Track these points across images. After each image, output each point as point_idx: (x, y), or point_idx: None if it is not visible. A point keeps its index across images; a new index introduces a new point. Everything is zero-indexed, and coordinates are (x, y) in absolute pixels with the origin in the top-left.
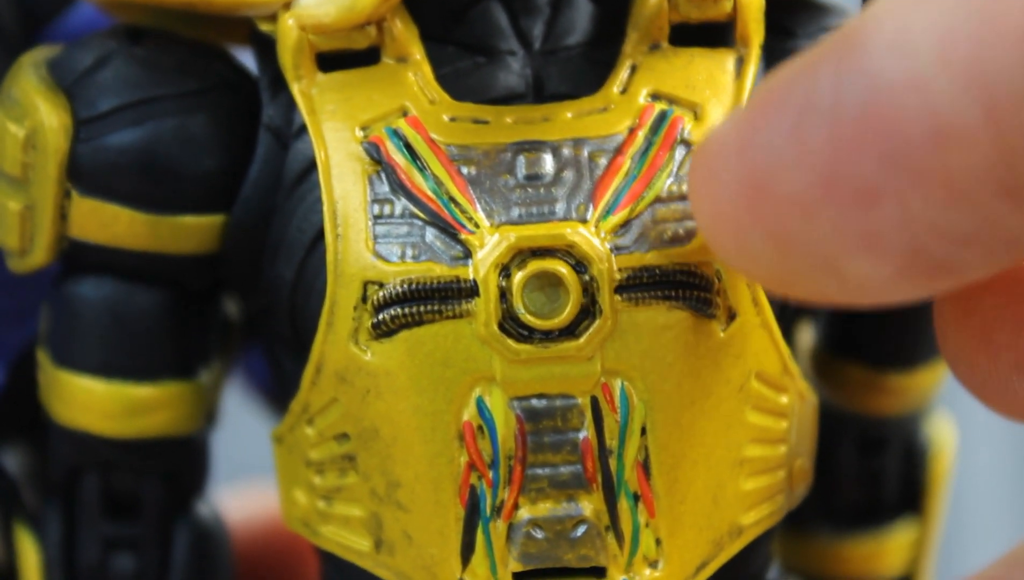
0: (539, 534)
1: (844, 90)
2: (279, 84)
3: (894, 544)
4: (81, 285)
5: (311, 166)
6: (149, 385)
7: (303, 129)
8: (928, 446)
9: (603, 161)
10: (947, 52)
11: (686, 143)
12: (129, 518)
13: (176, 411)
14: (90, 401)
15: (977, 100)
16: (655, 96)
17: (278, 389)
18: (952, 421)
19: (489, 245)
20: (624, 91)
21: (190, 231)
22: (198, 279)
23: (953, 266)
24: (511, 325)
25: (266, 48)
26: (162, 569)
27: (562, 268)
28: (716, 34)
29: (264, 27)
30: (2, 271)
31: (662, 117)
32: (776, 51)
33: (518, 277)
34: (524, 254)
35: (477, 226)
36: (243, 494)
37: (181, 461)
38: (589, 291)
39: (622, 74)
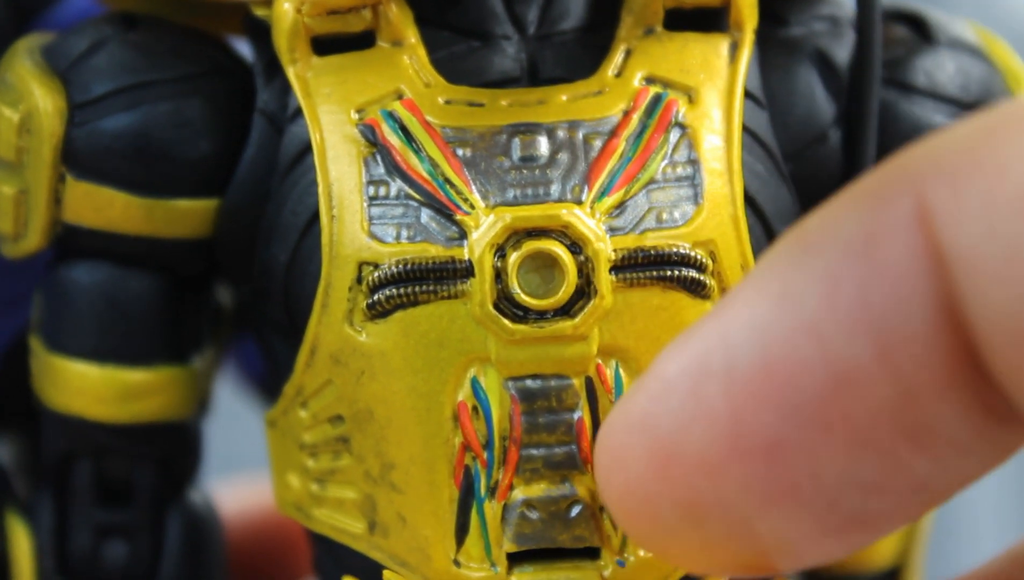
0: (533, 515)
1: (736, 347)
2: (273, 69)
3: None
4: (75, 270)
5: (306, 149)
6: (143, 370)
7: (298, 113)
8: None
9: (598, 143)
10: (833, 296)
11: (680, 126)
12: (122, 505)
13: (169, 396)
14: (84, 386)
15: (868, 338)
16: (649, 80)
17: (270, 374)
18: None
19: (484, 226)
20: (619, 75)
21: (184, 215)
22: (192, 264)
23: (866, 518)
24: (506, 305)
25: (260, 33)
26: (155, 556)
27: (557, 248)
28: (710, 19)
29: (259, 12)
30: None
31: (656, 100)
32: (769, 38)
33: (513, 257)
34: (519, 235)
35: (472, 207)
36: (235, 485)
37: (174, 447)
38: (584, 272)
39: (617, 58)
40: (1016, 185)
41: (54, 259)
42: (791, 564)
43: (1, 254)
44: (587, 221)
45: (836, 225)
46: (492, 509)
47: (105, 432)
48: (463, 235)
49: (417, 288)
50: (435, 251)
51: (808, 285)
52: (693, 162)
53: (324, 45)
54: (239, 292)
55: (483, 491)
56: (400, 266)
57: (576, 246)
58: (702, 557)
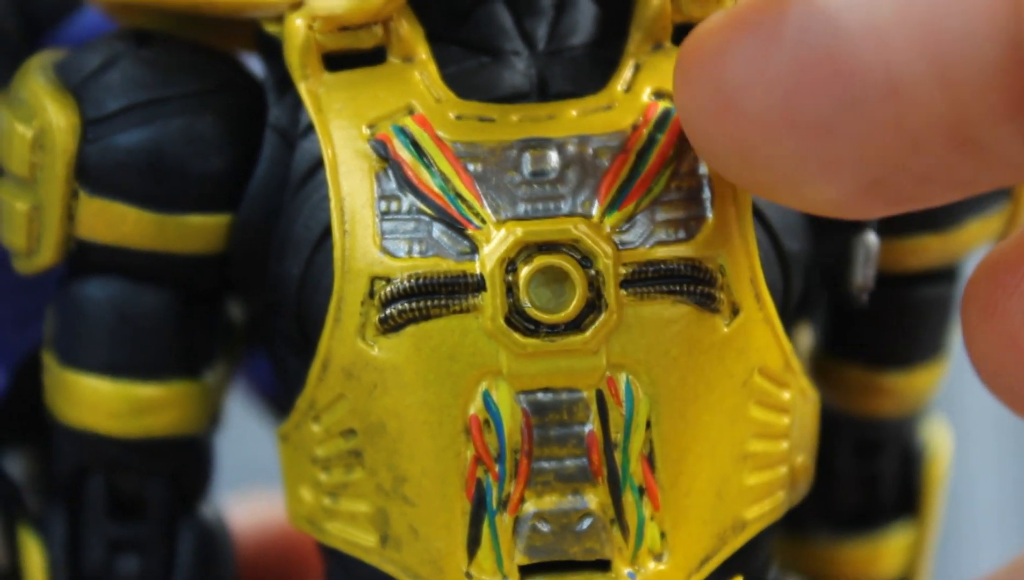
0: (545, 527)
1: (807, 29)
2: (285, 85)
3: (891, 547)
4: (88, 285)
5: (318, 164)
6: (155, 384)
7: (309, 128)
8: (924, 450)
9: (607, 158)
10: (906, 8)
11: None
12: (134, 519)
13: (182, 411)
14: (96, 400)
15: (930, 58)
16: (658, 94)
17: (282, 388)
18: (949, 424)
19: (495, 240)
20: (628, 90)
21: (197, 231)
22: (204, 279)
23: (910, 197)
24: (517, 319)
25: (272, 49)
26: (167, 570)
27: (568, 263)
28: None
29: (270, 28)
30: (5, 276)
31: (666, 115)
32: None
33: (524, 272)
34: (530, 249)
35: (483, 222)
36: (246, 500)
37: (186, 462)
38: (594, 285)
39: (626, 73)
40: None
41: (66, 275)
42: (832, 213)
43: (13, 270)
44: (597, 235)
45: None
46: (504, 522)
47: (117, 447)
48: (474, 249)
49: (429, 302)
50: (447, 265)
51: None
52: (701, 177)
53: (335, 61)
54: (250, 307)
55: (495, 504)
56: (412, 281)
57: (586, 260)
58: (751, 187)
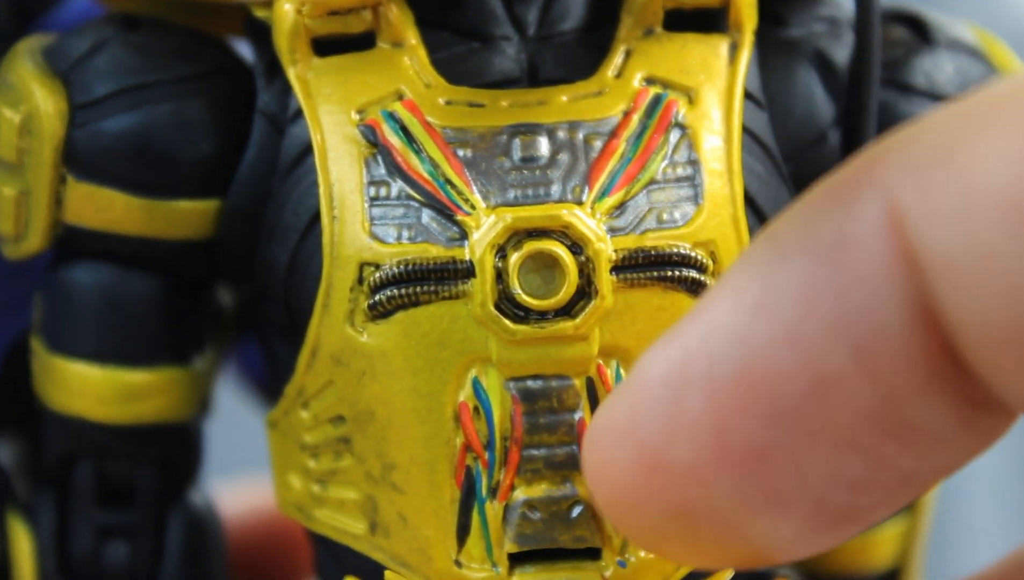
0: (534, 515)
1: (716, 356)
2: (274, 70)
3: (884, 535)
4: (75, 271)
5: (306, 150)
6: (144, 370)
7: (298, 114)
8: None
9: (598, 144)
10: (810, 302)
11: (680, 126)
12: (123, 506)
13: (171, 397)
14: (85, 387)
15: (846, 343)
16: (649, 80)
17: (271, 375)
18: None
19: (485, 226)
20: (619, 75)
21: (185, 216)
22: (193, 265)
23: (854, 513)
24: (507, 305)
25: (260, 34)
26: (156, 557)
27: (558, 249)
28: (709, 20)
29: (259, 13)
30: None
31: (656, 101)
32: (768, 38)
33: (514, 258)
34: (520, 235)
35: (473, 208)
36: (236, 487)
37: (175, 448)
38: (585, 272)
39: (616, 59)
40: (989, 182)
41: (54, 260)
42: (784, 558)
43: (1, 256)
44: (588, 221)
45: (807, 227)
46: (493, 509)
47: (106, 433)
48: (464, 236)
49: (418, 288)
50: (436, 252)
51: (783, 292)
52: (693, 163)
53: (325, 46)
54: (240, 293)
55: (484, 491)
56: (401, 267)
57: (577, 246)
58: (697, 555)
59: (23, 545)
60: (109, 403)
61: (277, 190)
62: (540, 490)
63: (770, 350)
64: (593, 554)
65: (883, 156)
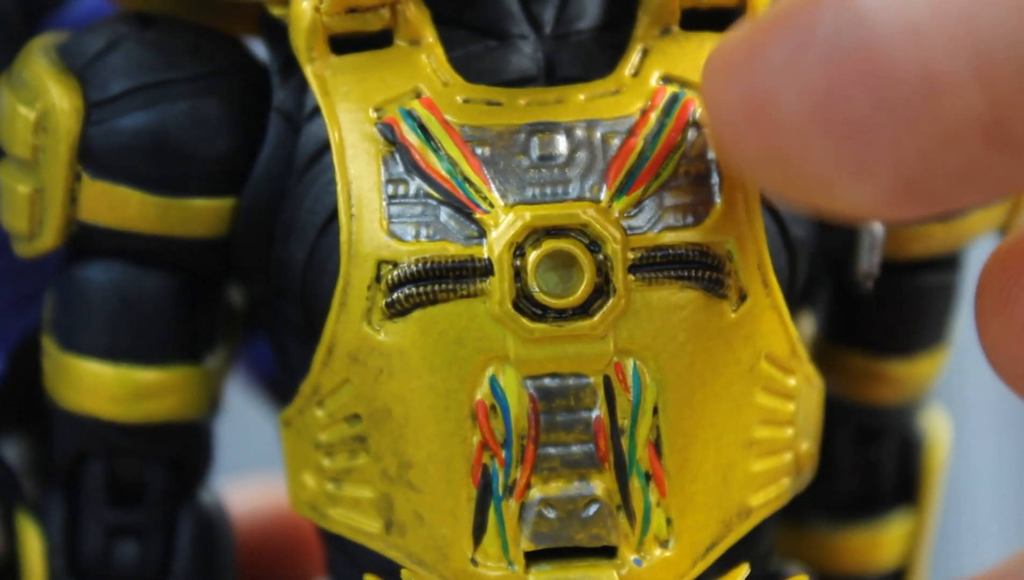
0: (551, 513)
1: (841, 30)
2: (290, 68)
3: (890, 535)
4: (89, 269)
5: (323, 148)
6: (156, 369)
7: (315, 111)
8: (923, 438)
9: (616, 142)
10: (941, 6)
11: (697, 125)
12: (133, 505)
13: (183, 396)
14: (97, 385)
15: (968, 54)
16: (667, 79)
17: (284, 374)
18: (949, 413)
19: (503, 224)
20: (636, 74)
21: (200, 214)
22: (207, 263)
23: (944, 198)
24: (525, 304)
25: (276, 32)
26: (166, 556)
27: (576, 247)
28: (726, 19)
29: (275, 11)
30: (4, 259)
31: (674, 100)
32: None
33: (532, 256)
34: (538, 233)
35: (491, 206)
36: (245, 486)
37: (186, 447)
38: (603, 270)
39: (633, 58)
40: None
41: (68, 258)
42: (862, 216)
43: (11, 254)
44: (605, 220)
45: None
46: (510, 508)
47: (118, 432)
48: (482, 234)
49: (436, 287)
50: (454, 250)
51: None
52: (710, 162)
53: (342, 44)
54: (252, 292)
55: (501, 490)
56: (419, 265)
57: (595, 245)
58: (786, 193)
59: (33, 544)
60: (121, 402)
61: (293, 188)
62: (556, 488)
63: (894, 41)
64: (609, 552)
65: None
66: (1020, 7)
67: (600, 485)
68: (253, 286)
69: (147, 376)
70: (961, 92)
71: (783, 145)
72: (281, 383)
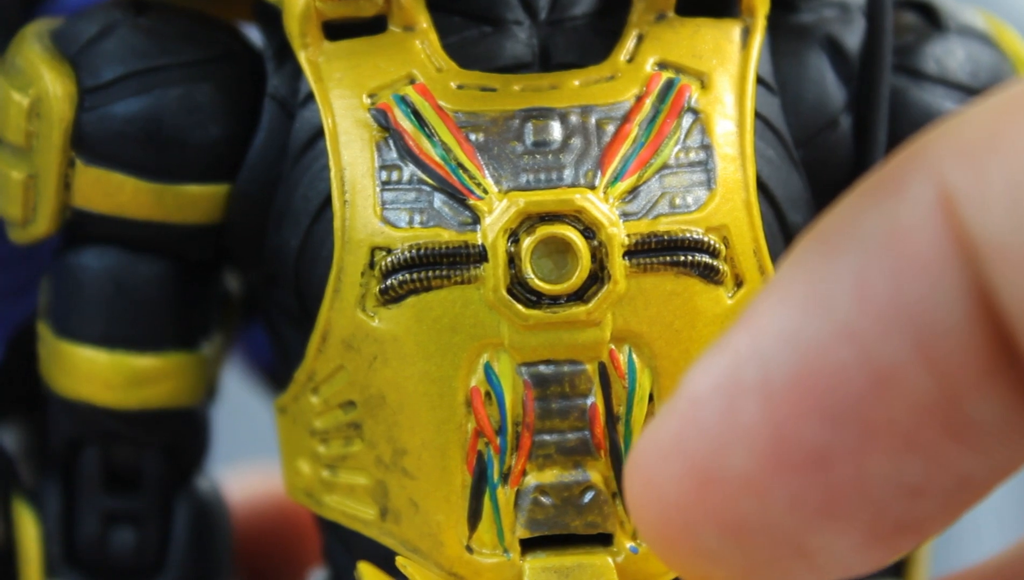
0: (546, 500)
1: (769, 358)
2: (284, 54)
3: None
4: (84, 255)
5: (317, 134)
6: (152, 355)
7: (309, 98)
8: None
9: (610, 128)
10: (865, 291)
11: (693, 111)
12: (129, 492)
13: (178, 382)
14: (92, 371)
15: (905, 333)
16: (662, 65)
17: (279, 361)
18: None
19: (497, 210)
20: (631, 60)
21: (194, 200)
22: (201, 249)
23: (914, 522)
24: (519, 290)
25: (270, 18)
26: (162, 543)
27: (571, 233)
28: (722, 4)
29: None
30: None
31: (669, 85)
32: (780, 24)
33: (527, 242)
34: (532, 219)
35: (485, 192)
36: (242, 473)
37: (182, 434)
38: (597, 257)
39: (628, 43)
40: None
41: (62, 245)
42: (838, 576)
43: (6, 242)
44: (600, 206)
45: (857, 220)
46: (505, 495)
47: (113, 418)
48: (476, 220)
49: (430, 273)
50: (448, 236)
51: (837, 286)
52: (706, 147)
53: (335, 30)
54: (248, 278)
55: (496, 477)
56: (413, 251)
57: (589, 231)
58: (743, 567)
59: (29, 530)
60: (116, 388)
61: (287, 175)
62: (552, 475)
63: (827, 347)
64: (605, 540)
65: (931, 143)
66: (940, 269)
67: (595, 472)
68: (248, 273)
69: (142, 362)
70: (908, 379)
71: (740, 511)
72: (277, 370)
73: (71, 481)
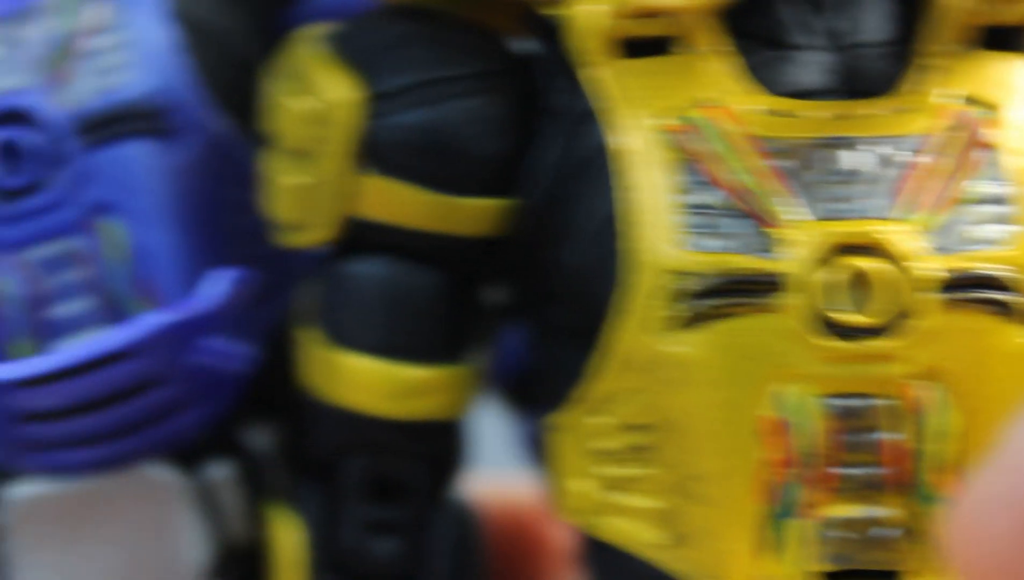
0: (838, 535)
1: None
2: (564, 69)
3: None
4: (360, 263)
5: (602, 152)
6: (424, 366)
7: (593, 114)
8: None
9: (907, 159)
10: None
11: (987, 145)
12: (391, 501)
13: (448, 394)
14: (364, 381)
15: None
16: (956, 97)
17: (548, 376)
18: None
19: (802, 240)
20: (928, 91)
21: (474, 213)
22: (474, 262)
23: None
24: (821, 322)
25: (552, 32)
26: (422, 552)
27: (879, 266)
28: (1013, 38)
29: (551, 11)
30: (257, 246)
31: (963, 117)
32: None
33: (831, 274)
34: (837, 250)
35: (787, 220)
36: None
37: (446, 445)
38: (905, 291)
39: (923, 74)
40: None
41: (335, 252)
42: None
43: (263, 243)
44: (905, 239)
45: None
46: (796, 527)
47: (382, 428)
48: (777, 247)
49: (730, 300)
50: (748, 263)
51: None
52: (1002, 182)
53: (627, 48)
54: (518, 293)
55: (787, 509)
56: (712, 277)
57: (897, 264)
58: None
59: (287, 535)
60: (388, 398)
61: (569, 191)
62: (846, 510)
63: None
64: (888, 576)
65: None
66: None
67: (892, 509)
68: (520, 287)
69: (415, 373)
70: None
71: None
72: (541, 385)
73: (333, 488)
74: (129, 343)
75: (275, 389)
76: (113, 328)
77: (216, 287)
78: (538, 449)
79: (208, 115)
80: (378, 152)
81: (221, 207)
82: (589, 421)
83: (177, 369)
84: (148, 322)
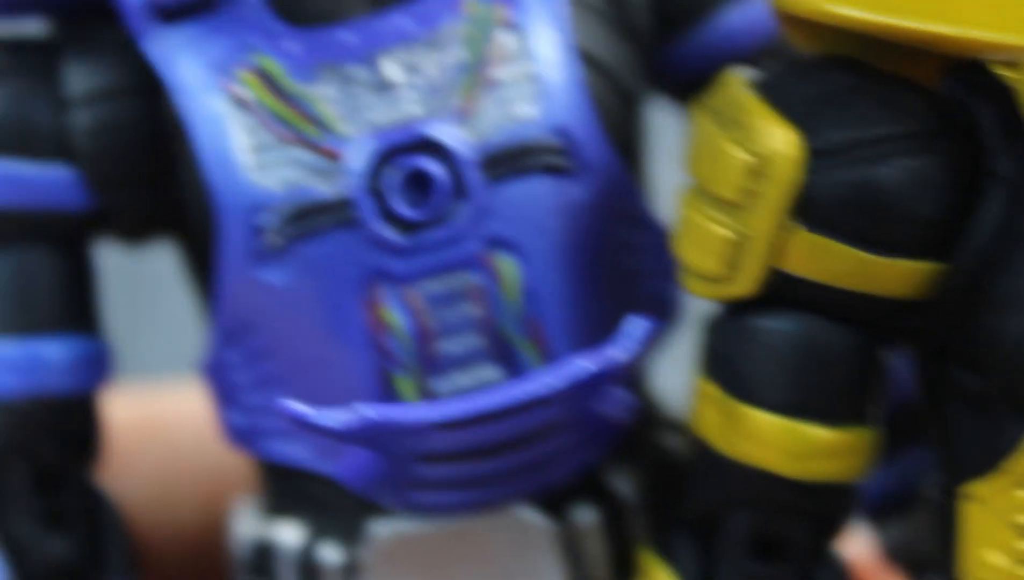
0: None
1: None
2: (1013, 134)
3: None
4: (774, 319)
5: None
6: (832, 428)
7: None
8: None
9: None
10: None
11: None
12: (771, 559)
13: (852, 458)
14: (771, 438)
15: None
16: None
17: (969, 445)
18: None
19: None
20: None
21: (903, 274)
22: (892, 323)
23: None
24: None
25: (995, 93)
26: None
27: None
28: None
29: (999, 70)
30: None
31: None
32: None
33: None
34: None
35: None
36: None
37: (837, 508)
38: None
39: None
40: None
41: (743, 305)
42: None
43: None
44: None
45: None
46: None
47: (781, 487)
48: None
49: None
50: None
51: None
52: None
53: None
54: (923, 353)
55: None
56: None
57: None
58: None
59: None
60: (793, 458)
61: (1014, 260)
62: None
63: None
64: None
65: None
66: None
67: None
68: (931, 348)
69: (823, 435)
70: None
71: None
72: (951, 451)
73: (713, 541)
74: (556, 389)
75: (639, 435)
76: (498, 368)
77: (632, 336)
78: (890, 504)
79: (604, 153)
80: (812, 209)
81: (610, 248)
82: (1017, 494)
83: (582, 416)
84: (575, 369)
